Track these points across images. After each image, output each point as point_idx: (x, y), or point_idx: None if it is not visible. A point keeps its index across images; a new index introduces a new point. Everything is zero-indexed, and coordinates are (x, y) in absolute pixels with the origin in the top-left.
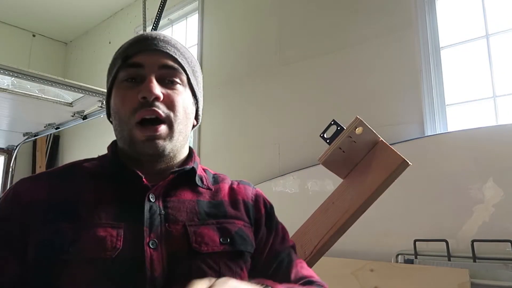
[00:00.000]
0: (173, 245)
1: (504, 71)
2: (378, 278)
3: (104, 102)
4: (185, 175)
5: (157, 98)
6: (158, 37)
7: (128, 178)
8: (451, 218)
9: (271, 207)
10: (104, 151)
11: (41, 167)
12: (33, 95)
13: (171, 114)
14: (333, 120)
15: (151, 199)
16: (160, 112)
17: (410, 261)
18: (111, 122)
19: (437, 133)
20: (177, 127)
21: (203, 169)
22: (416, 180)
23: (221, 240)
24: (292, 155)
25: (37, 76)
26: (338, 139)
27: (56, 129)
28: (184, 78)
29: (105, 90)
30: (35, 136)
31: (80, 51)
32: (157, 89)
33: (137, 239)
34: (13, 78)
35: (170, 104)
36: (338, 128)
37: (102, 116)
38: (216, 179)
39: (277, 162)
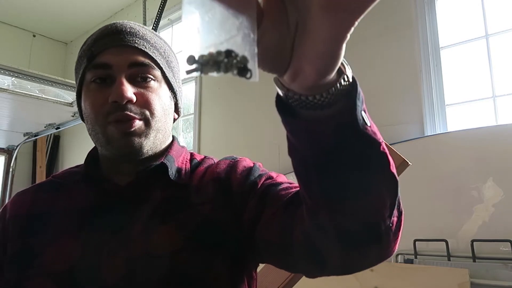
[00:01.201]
0: (133, 250)
1: (504, 71)
2: (378, 278)
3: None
4: (156, 172)
5: (130, 101)
6: (124, 29)
7: (99, 182)
8: (451, 218)
9: (252, 167)
10: None
11: (41, 167)
12: (33, 95)
13: (147, 112)
14: None
15: (118, 203)
16: (134, 114)
17: (410, 261)
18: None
19: (437, 133)
20: (155, 125)
21: (191, 158)
22: (416, 180)
23: (181, 236)
24: None
25: (37, 76)
26: None
27: (56, 129)
28: (158, 73)
29: None
30: (35, 136)
31: None
32: (129, 92)
33: (96, 246)
34: (14, 78)
35: (144, 103)
36: None
37: None
38: (198, 165)
39: (277, 162)
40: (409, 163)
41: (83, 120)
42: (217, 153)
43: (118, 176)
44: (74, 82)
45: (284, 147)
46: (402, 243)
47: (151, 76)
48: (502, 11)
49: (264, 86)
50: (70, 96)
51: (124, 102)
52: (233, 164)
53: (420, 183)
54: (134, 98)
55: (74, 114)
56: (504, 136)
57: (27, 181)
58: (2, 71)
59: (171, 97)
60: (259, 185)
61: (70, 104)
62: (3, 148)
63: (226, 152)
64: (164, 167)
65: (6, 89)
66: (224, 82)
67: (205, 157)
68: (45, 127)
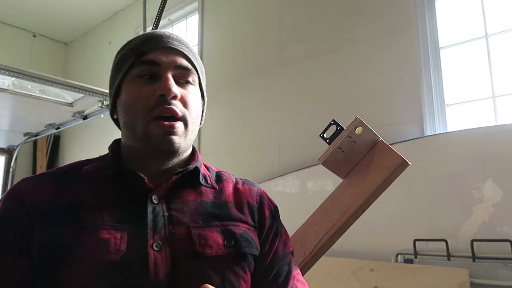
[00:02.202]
0: (177, 248)
1: (504, 71)
2: (378, 278)
3: (104, 102)
4: (188, 175)
5: (175, 96)
6: (171, 35)
7: (130, 179)
8: (451, 218)
9: (276, 209)
10: (104, 151)
11: (41, 167)
12: (33, 95)
13: (187, 113)
14: (333, 120)
15: (154, 201)
16: (178, 110)
17: (410, 261)
18: (113, 119)
19: (436, 133)
20: (191, 126)
21: (206, 167)
22: (415, 180)
23: (225, 242)
24: (292, 155)
25: (37, 76)
26: (338, 139)
27: (56, 129)
28: (196, 78)
29: (106, 90)
30: (35, 136)
31: (80, 51)
32: (175, 88)
33: (141, 241)
34: (14, 78)
35: (185, 103)
36: (338, 128)
37: (102, 116)
38: (220, 178)
39: (277, 162)
40: (409, 163)
41: (111, 115)
42: (217, 153)
43: (144, 172)
44: (75, 82)
45: (284, 147)
46: (402, 243)
47: (191, 80)
48: (502, 11)
49: (264, 86)
50: (70, 96)
51: (171, 96)
52: (262, 198)
53: (420, 183)
54: (179, 95)
55: (74, 114)
56: (504, 136)
57: None
58: (2, 71)
59: (202, 104)
60: (274, 247)
61: (70, 104)
62: (3, 148)
63: (226, 152)
64: (196, 171)
65: (7, 89)
66: (224, 83)
67: (218, 170)
68: (45, 127)
